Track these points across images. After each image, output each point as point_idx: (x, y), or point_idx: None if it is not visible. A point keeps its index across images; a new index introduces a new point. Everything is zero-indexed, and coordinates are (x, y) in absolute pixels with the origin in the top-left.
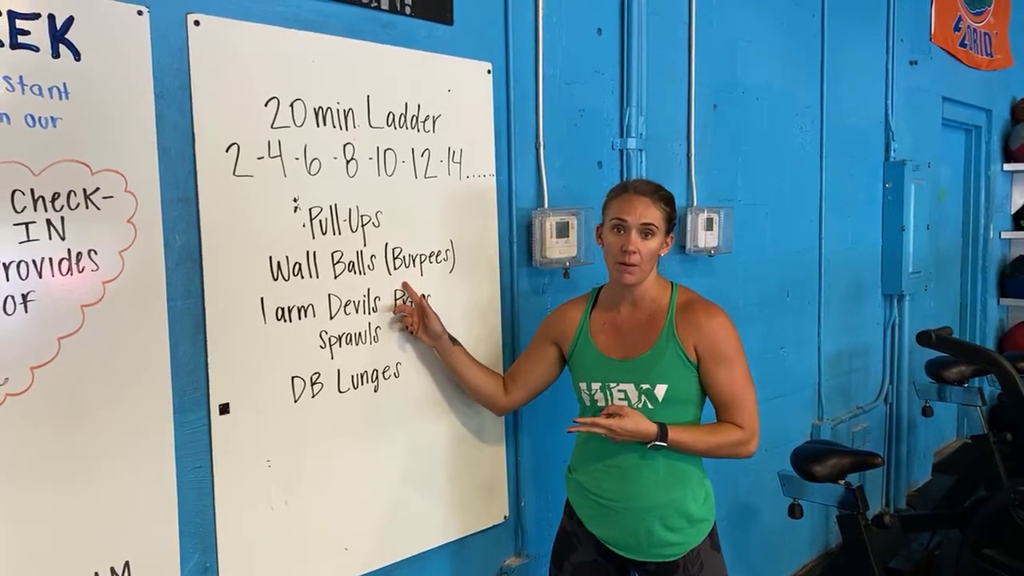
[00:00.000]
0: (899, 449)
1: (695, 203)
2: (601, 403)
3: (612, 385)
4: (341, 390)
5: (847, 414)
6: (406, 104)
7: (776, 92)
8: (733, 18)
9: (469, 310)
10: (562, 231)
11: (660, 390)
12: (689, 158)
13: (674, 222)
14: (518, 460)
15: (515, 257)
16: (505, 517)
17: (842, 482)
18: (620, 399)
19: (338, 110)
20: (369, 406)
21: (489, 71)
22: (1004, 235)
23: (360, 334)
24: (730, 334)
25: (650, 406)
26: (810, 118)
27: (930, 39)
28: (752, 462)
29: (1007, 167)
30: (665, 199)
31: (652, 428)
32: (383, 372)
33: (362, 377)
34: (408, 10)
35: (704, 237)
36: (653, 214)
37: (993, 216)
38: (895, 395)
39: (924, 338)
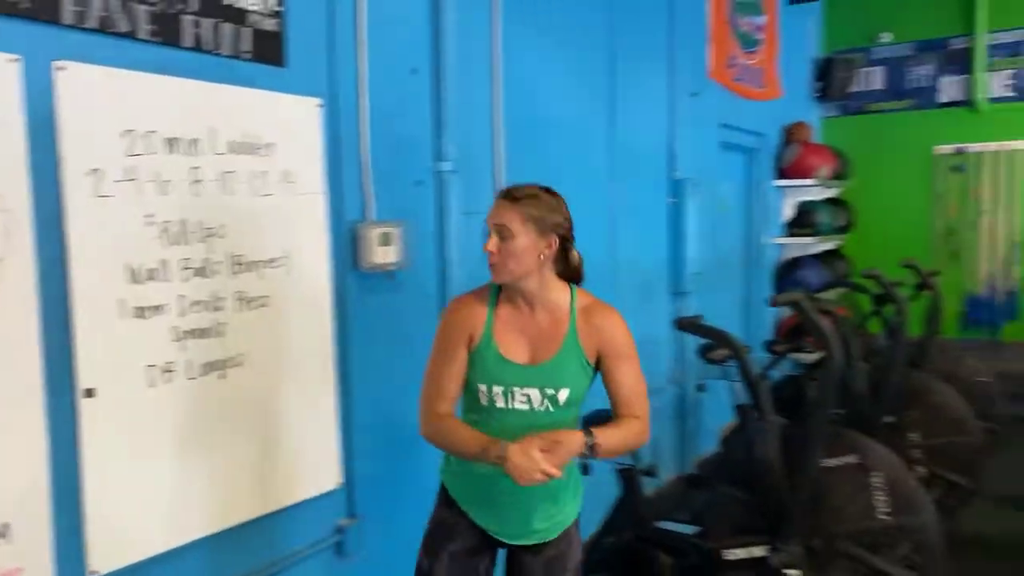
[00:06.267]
0: (686, 424)
1: None
2: (500, 404)
3: (516, 389)
4: (191, 377)
5: None
6: (245, 133)
7: (572, 121)
8: (533, 59)
9: (304, 308)
10: (385, 240)
11: (563, 394)
12: (495, 179)
13: (553, 223)
14: (348, 435)
15: (344, 262)
16: (339, 484)
17: None
18: (523, 402)
19: (186, 140)
20: (217, 391)
21: (319, 105)
22: (777, 241)
23: (207, 329)
24: (627, 332)
25: (551, 409)
26: (602, 143)
27: (707, 75)
28: None
29: (778, 183)
30: (530, 201)
31: (581, 438)
32: (228, 362)
33: (210, 366)
34: (247, 55)
35: None
36: (508, 215)
37: (768, 224)
38: (681, 378)
39: (679, 324)
